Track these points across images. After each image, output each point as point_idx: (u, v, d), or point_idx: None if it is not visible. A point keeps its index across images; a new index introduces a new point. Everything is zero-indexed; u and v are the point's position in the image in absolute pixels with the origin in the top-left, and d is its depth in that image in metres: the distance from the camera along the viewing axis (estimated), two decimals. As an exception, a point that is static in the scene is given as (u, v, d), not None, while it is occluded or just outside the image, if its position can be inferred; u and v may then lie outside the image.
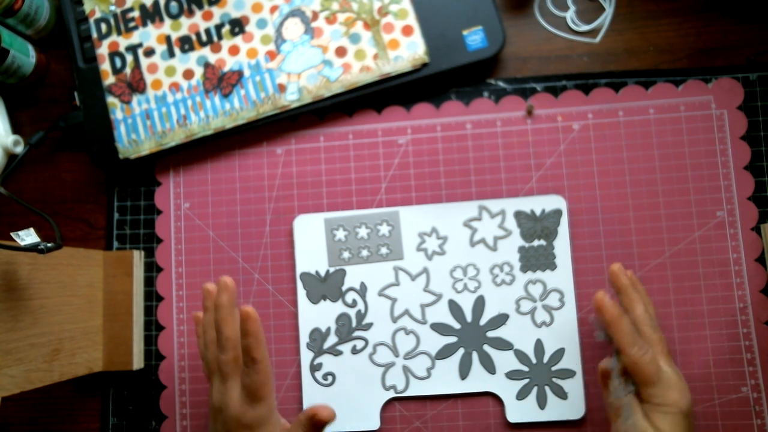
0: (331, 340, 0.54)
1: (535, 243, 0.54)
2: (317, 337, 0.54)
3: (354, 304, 0.55)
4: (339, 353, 0.54)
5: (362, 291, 0.55)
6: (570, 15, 0.58)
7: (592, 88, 0.56)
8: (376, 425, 0.53)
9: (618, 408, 0.45)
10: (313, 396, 0.54)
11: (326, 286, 0.55)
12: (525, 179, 0.56)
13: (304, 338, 0.55)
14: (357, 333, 0.54)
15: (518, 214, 0.54)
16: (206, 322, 0.48)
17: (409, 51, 0.55)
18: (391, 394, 0.54)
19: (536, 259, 0.54)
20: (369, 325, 0.54)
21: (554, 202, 0.54)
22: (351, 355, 0.54)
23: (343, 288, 0.55)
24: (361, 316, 0.55)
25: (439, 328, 0.54)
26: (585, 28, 0.57)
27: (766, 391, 0.52)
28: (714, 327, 0.53)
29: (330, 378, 0.54)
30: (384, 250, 0.55)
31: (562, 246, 0.54)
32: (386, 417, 0.54)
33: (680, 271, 0.54)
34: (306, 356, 0.54)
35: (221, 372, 0.45)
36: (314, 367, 0.54)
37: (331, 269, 0.55)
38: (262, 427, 0.45)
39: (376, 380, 0.54)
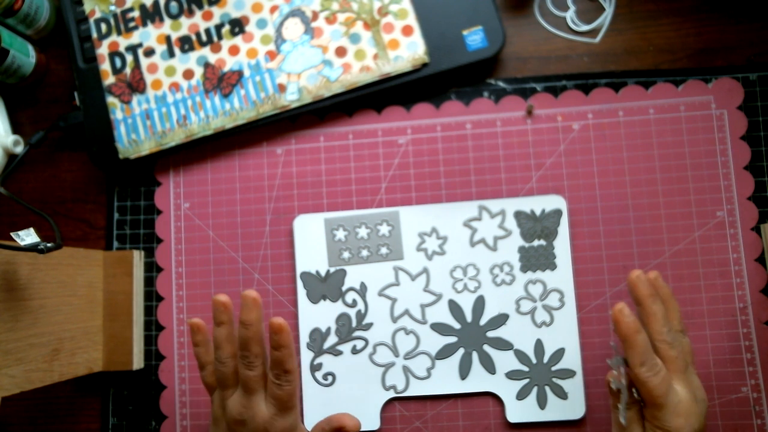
0: (331, 340, 0.54)
1: (535, 243, 0.54)
2: (317, 337, 0.54)
3: (354, 304, 0.55)
4: (339, 353, 0.54)
5: (362, 291, 0.55)
6: (570, 15, 0.58)
7: (592, 88, 0.56)
8: (377, 425, 0.53)
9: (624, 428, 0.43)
10: (313, 396, 0.54)
11: (326, 286, 0.55)
12: (525, 179, 0.56)
13: (304, 338, 0.55)
14: (357, 333, 0.54)
15: (518, 214, 0.54)
16: (221, 337, 0.45)
17: (409, 51, 0.55)
18: (391, 394, 0.54)
19: (536, 259, 0.54)
20: (369, 325, 0.54)
21: (554, 202, 0.54)
22: (351, 355, 0.54)
23: (343, 288, 0.55)
24: (361, 316, 0.55)
25: (439, 328, 0.54)
26: (585, 28, 0.57)
27: (766, 391, 0.52)
28: (714, 327, 0.53)
29: (330, 378, 0.54)
30: (384, 250, 0.55)
31: (562, 246, 0.54)
32: (386, 417, 0.54)
33: (680, 271, 0.54)
34: (306, 356, 0.54)
35: (246, 387, 0.44)
36: (314, 367, 0.54)
37: (332, 269, 0.55)
38: None
39: (376, 380, 0.54)
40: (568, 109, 0.56)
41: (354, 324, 0.55)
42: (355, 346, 0.54)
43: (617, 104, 0.56)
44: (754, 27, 0.56)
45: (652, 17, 0.57)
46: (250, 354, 0.44)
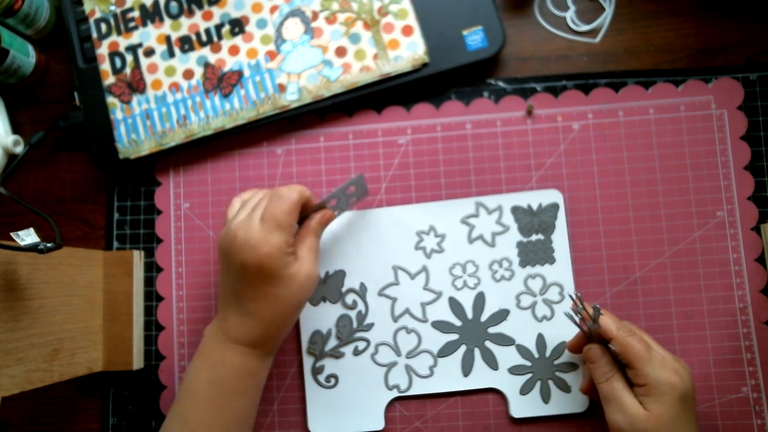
0: (332, 342, 0.54)
1: (533, 238, 0.54)
2: (318, 339, 0.54)
3: (354, 305, 0.55)
4: (341, 355, 0.54)
5: (362, 291, 0.55)
6: (570, 15, 0.58)
7: (592, 88, 0.56)
8: (381, 425, 0.53)
9: (606, 394, 0.45)
10: (316, 398, 0.54)
11: (326, 288, 0.55)
12: (525, 179, 0.56)
13: (305, 341, 0.54)
14: (358, 334, 0.54)
15: (515, 210, 0.54)
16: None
17: (409, 51, 0.55)
18: (395, 393, 0.53)
19: (535, 254, 0.54)
20: (370, 326, 0.54)
21: (551, 196, 0.54)
22: (353, 356, 0.54)
23: (343, 289, 0.55)
24: (361, 316, 0.55)
25: (440, 326, 0.54)
26: (585, 28, 0.58)
27: (766, 391, 0.52)
28: (714, 327, 0.53)
29: (333, 380, 0.54)
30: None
31: (560, 240, 0.54)
32: (388, 417, 0.54)
33: (680, 271, 0.54)
34: (308, 359, 0.54)
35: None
36: (316, 370, 0.54)
37: (331, 270, 0.55)
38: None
39: (379, 380, 0.54)
40: (568, 109, 0.56)
41: (355, 325, 0.54)
42: (356, 347, 0.54)
43: (617, 104, 0.56)
44: (754, 27, 0.56)
45: (652, 17, 0.57)
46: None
